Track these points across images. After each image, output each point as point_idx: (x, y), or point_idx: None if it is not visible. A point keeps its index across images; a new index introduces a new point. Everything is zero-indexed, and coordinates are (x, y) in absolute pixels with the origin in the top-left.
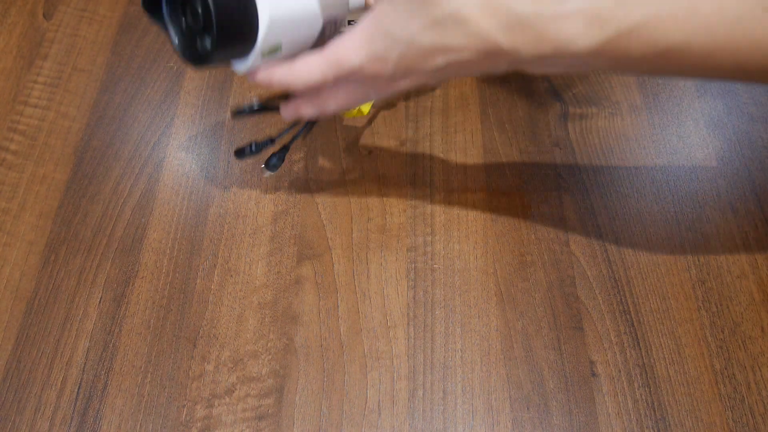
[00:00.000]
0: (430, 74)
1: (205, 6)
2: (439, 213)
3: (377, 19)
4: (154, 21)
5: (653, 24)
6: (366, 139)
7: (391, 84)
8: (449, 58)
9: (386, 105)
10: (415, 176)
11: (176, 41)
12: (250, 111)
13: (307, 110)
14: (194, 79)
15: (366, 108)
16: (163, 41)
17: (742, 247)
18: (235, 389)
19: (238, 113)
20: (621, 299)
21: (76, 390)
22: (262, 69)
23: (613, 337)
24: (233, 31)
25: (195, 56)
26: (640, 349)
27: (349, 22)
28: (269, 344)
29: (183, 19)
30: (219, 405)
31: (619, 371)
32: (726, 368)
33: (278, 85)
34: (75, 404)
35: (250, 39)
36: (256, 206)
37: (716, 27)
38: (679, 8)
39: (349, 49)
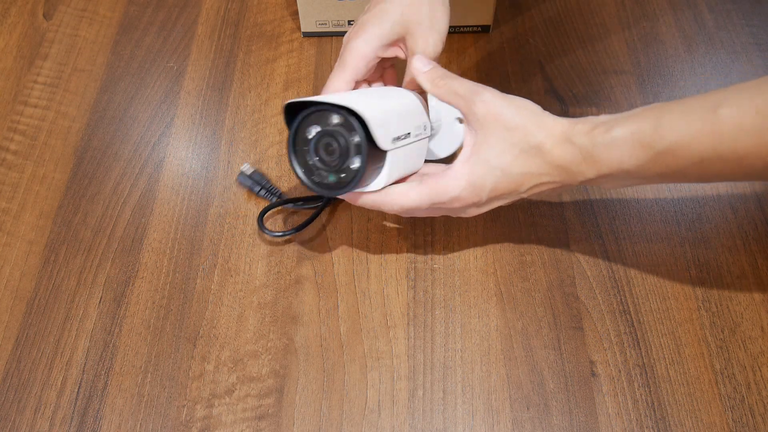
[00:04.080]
0: (516, 197)
1: (358, 150)
2: None
3: (475, 152)
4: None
5: (684, 143)
6: None
7: (476, 210)
8: (533, 181)
9: None
10: None
11: (302, 174)
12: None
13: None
14: (194, 79)
15: None
16: (163, 41)
17: (741, 247)
18: (235, 389)
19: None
20: (621, 299)
21: (76, 390)
22: (356, 195)
23: (613, 337)
24: (366, 178)
25: (324, 187)
26: (640, 349)
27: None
28: (269, 344)
29: (315, 156)
30: (219, 405)
31: (619, 371)
32: (726, 368)
33: (371, 208)
34: (75, 404)
35: (370, 180)
36: (256, 206)
37: (739, 140)
38: (705, 129)
39: (451, 179)
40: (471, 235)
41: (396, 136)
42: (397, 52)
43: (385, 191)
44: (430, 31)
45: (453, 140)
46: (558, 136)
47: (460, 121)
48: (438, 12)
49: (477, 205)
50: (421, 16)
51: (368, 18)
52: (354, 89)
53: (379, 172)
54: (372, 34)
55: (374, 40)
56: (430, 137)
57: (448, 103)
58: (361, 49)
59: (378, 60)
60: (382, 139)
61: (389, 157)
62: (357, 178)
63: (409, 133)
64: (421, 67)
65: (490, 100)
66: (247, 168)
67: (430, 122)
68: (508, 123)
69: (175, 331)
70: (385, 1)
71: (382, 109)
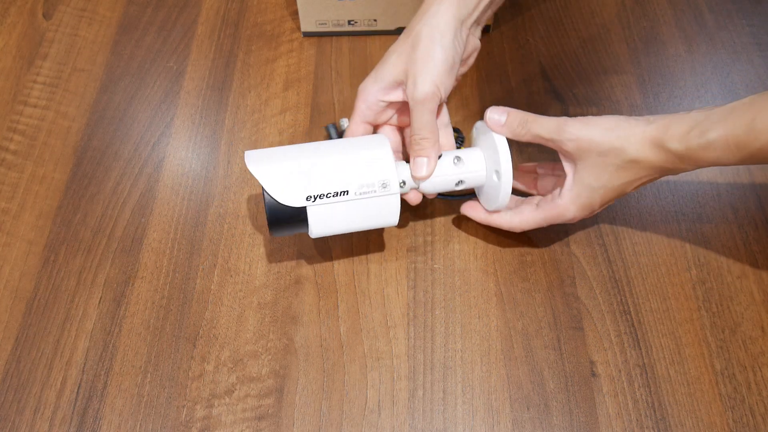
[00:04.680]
0: (624, 195)
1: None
2: (440, 213)
3: (577, 180)
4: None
5: None
6: None
7: (591, 214)
8: (636, 184)
9: None
10: None
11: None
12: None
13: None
14: (194, 79)
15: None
16: (163, 41)
17: (742, 247)
18: (235, 389)
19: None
20: (621, 299)
21: (75, 390)
22: (478, 212)
23: (613, 337)
24: (284, 227)
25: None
26: (640, 349)
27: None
28: (269, 344)
29: None
30: (219, 405)
31: (619, 371)
32: (726, 368)
33: (497, 226)
34: (75, 404)
35: (303, 228)
36: (256, 206)
37: None
38: None
39: (563, 207)
40: (471, 236)
41: (311, 194)
42: (401, 95)
43: (511, 217)
44: (420, 72)
45: (496, 195)
46: (650, 145)
47: (497, 174)
48: (434, 52)
49: (591, 214)
50: (413, 57)
51: (377, 64)
52: (375, 131)
53: (305, 223)
54: (371, 79)
55: (372, 85)
56: (478, 191)
57: (540, 143)
58: (362, 93)
59: (384, 103)
60: (279, 197)
61: (310, 211)
62: (269, 225)
63: (346, 191)
64: (498, 119)
65: (576, 135)
66: (346, 123)
67: (399, 180)
68: (599, 149)
69: (175, 331)
70: (393, 45)
71: (294, 169)
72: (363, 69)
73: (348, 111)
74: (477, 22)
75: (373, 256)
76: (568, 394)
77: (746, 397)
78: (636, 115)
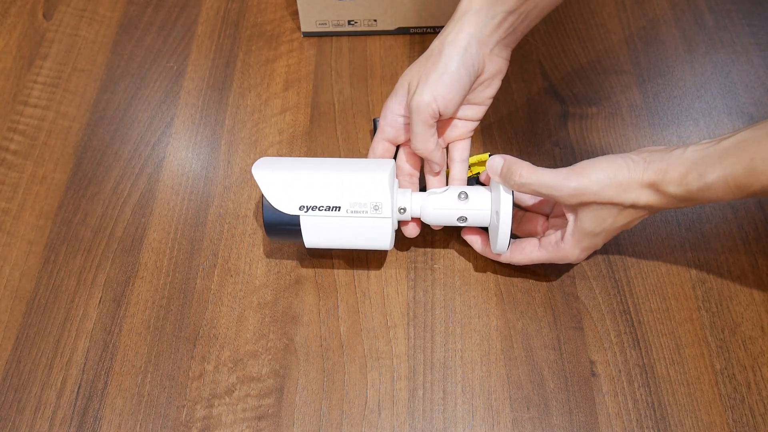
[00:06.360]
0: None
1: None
2: None
3: (578, 227)
4: None
5: None
6: (366, 143)
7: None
8: (637, 221)
9: None
10: None
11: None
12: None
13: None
14: (194, 79)
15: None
16: (163, 41)
17: (742, 247)
18: (235, 389)
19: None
20: (621, 299)
21: (76, 390)
22: (476, 243)
23: (613, 337)
24: (279, 232)
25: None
26: (640, 349)
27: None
28: (269, 344)
29: None
30: (219, 405)
31: (619, 371)
32: (726, 368)
33: (496, 259)
34: (75, 404)
35: (297, 237)
36: (256, 206)
37: None
38: None
39: (566, 251)
40: None
41: (305, 204)
42: None
43: (512, 254)
44: (422, 82)
45: (495, 239)
46: (649, 189)
47: (497, 216)
48: (440, 66)
49: (596, 250)
50: (423, 68)
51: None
52: (397, 150)
53: (300, 232)
54: (391, 94)
55: (391, 99)
56: (490, 229)
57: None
58: (383, 109)
59: (402, 118)
60: (275, 203)
61: (303, 221)
62: (266, 228)
63: (338, 207)
64: (496, 169)
65: (578, 191)
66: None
67: (397, 206)
68: (599, 200)
69: (175, 331)
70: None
71: (293, 179)
72: (363, 69)
73: (348, 111)
74: (503, 43)
75: (373, 256)
76: (568, 394)
77: (746, 397)
78: (637, 116)
